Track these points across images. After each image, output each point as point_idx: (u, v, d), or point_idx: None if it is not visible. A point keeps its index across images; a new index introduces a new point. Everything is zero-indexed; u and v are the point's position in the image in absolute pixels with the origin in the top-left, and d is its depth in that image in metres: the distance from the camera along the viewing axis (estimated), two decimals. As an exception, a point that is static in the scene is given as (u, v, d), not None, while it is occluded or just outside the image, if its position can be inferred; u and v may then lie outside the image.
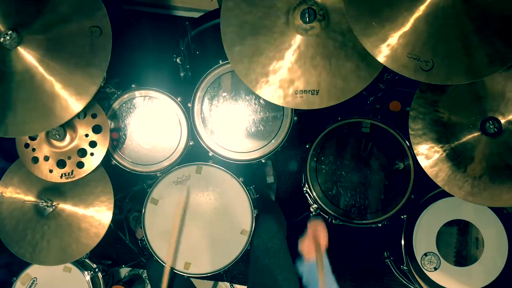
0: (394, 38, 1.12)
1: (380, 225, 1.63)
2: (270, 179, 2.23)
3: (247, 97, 1.58)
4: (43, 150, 1.50)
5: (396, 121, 1.68)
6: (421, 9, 1.10)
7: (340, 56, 1.25)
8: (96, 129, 1.50)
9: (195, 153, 1.66)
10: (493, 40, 1.08)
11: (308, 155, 1.66)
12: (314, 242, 1.38)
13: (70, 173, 1.49)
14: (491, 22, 1.08)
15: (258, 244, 1.54)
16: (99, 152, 1.49)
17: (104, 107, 1.55)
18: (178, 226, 1.56)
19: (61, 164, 1.50)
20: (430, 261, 1.60)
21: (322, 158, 1.66)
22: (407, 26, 1.11)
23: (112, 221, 1.56)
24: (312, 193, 1.64)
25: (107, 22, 1.31)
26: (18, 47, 1.28)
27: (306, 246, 1.40)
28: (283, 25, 1.26)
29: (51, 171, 1.49)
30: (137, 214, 2.11)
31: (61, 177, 1.49)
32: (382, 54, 1.12)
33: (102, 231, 1.54)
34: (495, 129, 1.27)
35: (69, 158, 1.49)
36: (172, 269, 1.55)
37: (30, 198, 1.56)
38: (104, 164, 1.53)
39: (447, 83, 1.13)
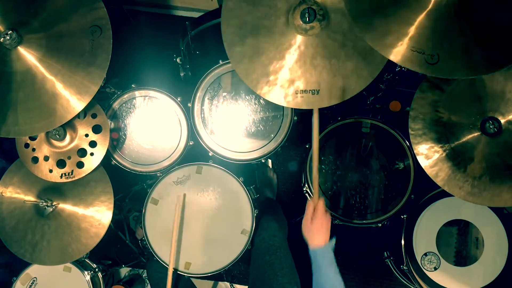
0: (397, 34, 1.11)
1: (380, 225, 1.63)
2: (271, 178, 2.24)
3: (247, 97, 1.58)
4: (43, 150, 1.50)
5: (396, 121, 1.68)
6: (424, 5, 1.10)
7: (340, 56, 1.25)
8: (96, 129, 1.50)
9: (195, 153, 1.66)
10: (491, 41, 1.08)
11: (308, 155, 1.66)
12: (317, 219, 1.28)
13: (70, 173, 1.49)
14: (491, 22, 1.08)
15: (259, 242, 1.54)
16: (99, 152, 1.49)
17: (104, 107, 1.55)
18: (178, 228, 1.55)
19: (61, 164, 1.49)
20: (430, 261, 1.60)
21: (322, 158, 1.66)
22: (411, 23, 1.11)
23: (112, 221, 1.55)
24: (312, 193, 1.65)
25: (107, 22, 1.31)
26: (18, 47, 1.28)
27: (306, 225, 1.30)
28: (283, 25, 1.26)
29: (51, 171, 1.49)
30: (137, 214, 2.11)
31: (61, 177, 1.48)
32: (386, 48, 1.12)
33: (102, 231, 1.54)
34: (495, 129, 1.27)
35: (69, 158, 1.49)
36: (175, 270, 1.55)
37: (30, 198, 1.56)
38: (104, 164, 1.53)
39: (453, 77, 1.11)
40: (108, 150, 1.52)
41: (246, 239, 1.57)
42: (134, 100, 1.62)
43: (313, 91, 1.26)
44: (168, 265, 1.56)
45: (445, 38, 1.10)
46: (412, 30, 1.11)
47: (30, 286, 1.72)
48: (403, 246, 1.65)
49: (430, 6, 1.10)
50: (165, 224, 1.59)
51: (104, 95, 1.62)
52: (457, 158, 1.32)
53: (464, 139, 1.32)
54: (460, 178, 1.31)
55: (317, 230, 1.27)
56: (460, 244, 1.59)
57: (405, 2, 1.11)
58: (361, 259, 2.18)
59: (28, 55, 1.29)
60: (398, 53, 1.12)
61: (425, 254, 1.60)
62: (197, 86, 1.59)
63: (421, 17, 1.10)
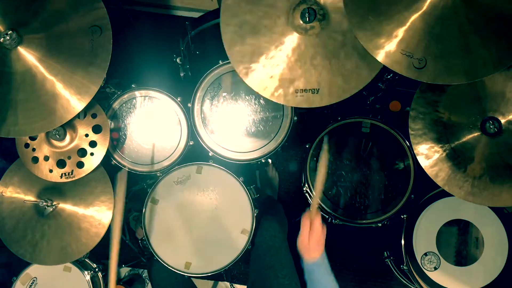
0: (389, 34, 1.11)
1: (380, 225, 1.63)
2: (273, 178, 2.23)
3: (247, 97, 1.59)
4: (43, 150, 1.50)
5: (396, 121, 1.68)
6: (420, 7, 1.10)
7: (340, 56, 1.25)
8: (96, 129, 1.50)
9: (195, 153, 1.66)
10: (490, 42, 1.08)
11: (308, 155, 1.66)
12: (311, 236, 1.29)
13: (70, 173, 1.49)
14: (489, 24, 1.08)
15: (260, 242, 1.54)
16: (99, 152, 1.49)
17: (104, 107, 1.55)
18: (179, 225, 1.55)
19: (61, 164, 1.50)
20: (430, 261, 1.60)
21: (322, 158, 1.66)
22: (404, 23, 1.11)
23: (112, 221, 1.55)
24: (312, 193, 1.65)
25: (107, 22, 1.31)
26: (18, 47, 1.28)
27: (303, 243, 1.31)
28: (283, 24, 1.26)
29: (51, 171, 1.49)
30: (137, 214, 2.11)
31: (61, 177, 1.49)
32: (377, 48, 1.12)
33: (102, 231, 1.54)
34: (495, 129, 1.27)
35: (69, 158, 1.49)
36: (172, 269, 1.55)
37: (30, 198, 1.56)
38: (104, 164, 1.53)
39: (438, 83, 1.12)
40: (108, 150, 1.52)
41: (246, 239, 1.57)
42: (134, 100, 1.62)
43: (313, 90, 1.26)
44: (168, 265, 1.56)
45: (437, 42, 1.09)
46: (404, 31, 1.11)
47: (30, 286, 1.71)
48: (403, 246, 1.65)
49: (424, 8, 1.09)
50: (166, 224, 1.59)
51: (104, 95, 1.61)
52: (457, 158, 1.32)
53: (464, 139, 1.33)
54: (460, 178, 1.31)
55: (315, 246, 1.27)
56: (460, 244, 1.59)
57: (400, 2, 1.11)
58: (361, 259, 2.18)
59: (28, 55, 1.29)
60: (387, 54, 1.12)
61: (425, 254, 1.60)
62: (197, 86, 1.59)
63: (414, 18, 1.10)
